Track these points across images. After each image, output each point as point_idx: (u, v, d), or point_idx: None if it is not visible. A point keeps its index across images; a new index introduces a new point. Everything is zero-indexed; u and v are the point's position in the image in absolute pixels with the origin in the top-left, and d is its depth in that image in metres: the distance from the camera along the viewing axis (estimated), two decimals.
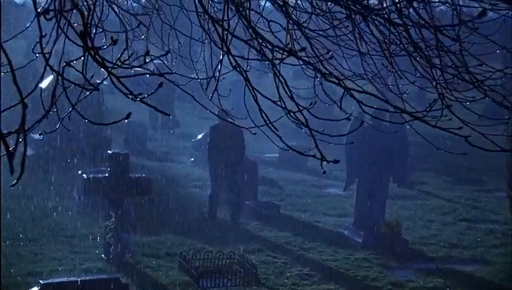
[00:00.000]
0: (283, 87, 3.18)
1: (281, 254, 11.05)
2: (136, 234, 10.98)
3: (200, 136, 18.04)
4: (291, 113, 3.18)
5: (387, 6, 3.69)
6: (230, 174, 12.78)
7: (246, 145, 12.96)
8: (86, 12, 2.54)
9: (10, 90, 2.36)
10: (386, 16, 3.70)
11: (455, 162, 17.52)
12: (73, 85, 2.42)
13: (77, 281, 7.90)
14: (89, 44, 2.21)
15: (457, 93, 4.13)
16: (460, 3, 4.48)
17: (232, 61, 3.10)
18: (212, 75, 3.98)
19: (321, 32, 4.12)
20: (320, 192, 15.70)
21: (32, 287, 8.25)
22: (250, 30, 3.28)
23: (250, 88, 3.02)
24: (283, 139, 3.38)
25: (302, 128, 3.35)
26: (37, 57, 2.61)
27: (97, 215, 11.83)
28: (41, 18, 2.43)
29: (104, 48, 2.35)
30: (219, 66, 3.53)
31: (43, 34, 2.45)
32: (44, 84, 2.57)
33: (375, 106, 4.66)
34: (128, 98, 2.31)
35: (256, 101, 3.05)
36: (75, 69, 2.39)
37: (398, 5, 3.36)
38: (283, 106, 3.11)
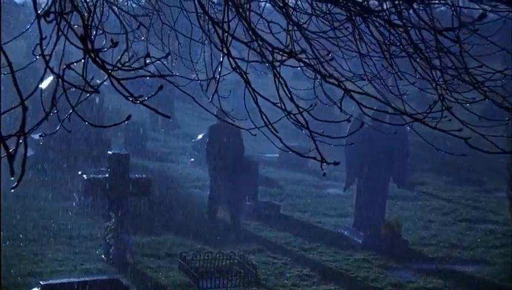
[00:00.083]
0: (283, 89, 3.19)
1: (281, 254, 11.05)
2: (136, 234, 10.98)
3: (200, 137, 18.04)
4: (291, 115, 3.18)
5: (387, 8, 3.69)
6: (229, 174, 12.78)
7: (244, 145, 12.96)
8: (86, 14, 2.54)
9: (10, 91, 2.37)
10: (386, 17, 3.71)
11: (455, 163, 17.52)
12: (73, 87, 2.42)
13: (77, 282, 7.90)
14: (89, 46, 2.22)
15: (457, 95, 4.13)
16: (460, 4, 4.48)
17: (232, 63, 3.10)
18: (213, 76, 3.99)
19: (321, 34, 4.12)
20: (320, 192, 15.70)
21: (32, 288, 8.25)
22: (250, 32, 3.28)
23: (250, 90, 3.02)
24: (284, 140, 3.38)
25: (302, 130, 3.35)
26: (37, 58, 2.61)
27: (97, 216, 11.83)
28: (42, 20, 2.43)
29: (105, 51, 2.35)
30: (219, 68, 3.53)
31: (44, 35, 2.46)
32: (44, 84, 2.58)
33: (375, 107, 4.66)
34: (129, 100, 2.32)
35: (256, 103, 3.05)
36: (75, 72, 2.39)
37: (398, 8, 3.36)
38: (283, 107, 3.11)
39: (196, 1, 3.51)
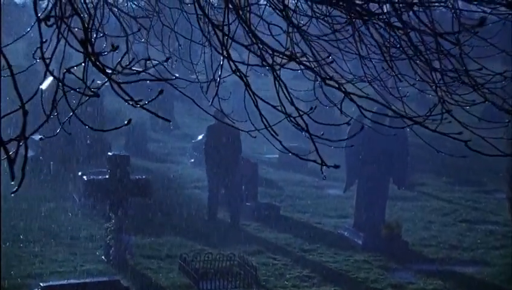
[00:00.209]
0: (283, 92, 3.19)
1: (281, 255, 11.05)
2: (137, 235, 10.97)
3: (200, 137, 18.04)
4: (292, 118, 3.18)
5: (387, 11, 3.69)
6: (227, 174, 12.79)
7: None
8: (86, 18, 2.55)
9: (11, 91, 2.37)
10: (386, 19, 3.71)
11: (455, 164, 17.51)
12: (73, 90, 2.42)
13: (77, 283, 7.90)
14: (90, 50, 2.22)
15: (457, 97, 4.13)
16: (460, 5, 4.48)
17: (232, 66, 3.10)
18: (213, 78, 3.99)
19: (321, 36, 4.12)
20: (320, 193, 15.70)
21: (32, 289, 8.26)
22: (250, 34, 3.28)
23: (251, 93, 3.02)
24: (284, 141, 3.38)
25: (302, 132, 3.35)
26: (37, 61, 2.61)
27: (97, 217, 11.83)
28: (42, 23, 2.43)
29: (105, 54, 2.35)
30: (219, 70, 3.53)
31: (44, 38, 2.46)
32: (44, 85, 2.58)
33: (375, 108, 4.66)
34: (129, 104, 2.32)
35: (256, 106, 3.06)
36: (76, 76, 2.39)
37: (399, 11, 3.36)
38: (283, 111, 3.11)
39: (196, 3, 3.51)
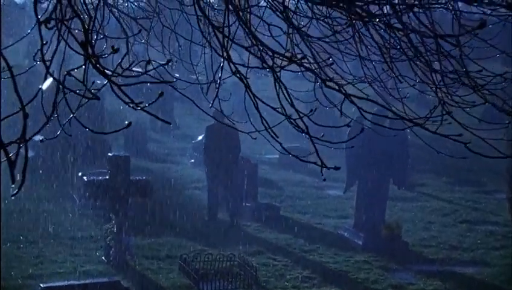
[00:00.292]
0: (283, 94, 3.19)
1: (281, 256, 11.05)
2: (137, 236, 10.98)
3: (200, 138, 18.02)
4: (292, 120, 3.18)
5: (388, 12, 3.69)
6: (227, 173, 12.79)
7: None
8: (87, 19, 2.54)
9: (11, 92, 2.36)
10: (386, 21, 3.71)
11: (455, 164, 17.50)
12: (73, 93, 2.42)
13: (78, 284, 7.91)
14: (90, 52, 2.22)
15: (457, 98, 4.13)
16: (460, 6, 4.48)
17: (233, 67, 3.10)
18: (213, 79, 3.99)
19: (322, 38, 4.12)
20: (320, 193, 15.69)
21: None
22: (250, 36, 3.28)
23: (251, 95, 3.03)
24: (285, 141, 3.38)
25: (302, 134, 3.35)
26: (37, 62, 2.61)
27: (97, 217, 11.84)
28: (42, 25, 2.43)
29: (105, 57, 2.35)
30: (219, 72, 3.53)
31: (44, 39, 2.46)
32: (44, 85, 2.58)
33: (375, 109, 4.66)
34: (129, 106, 2.32)
35: (257, 108, 3.06)
36: (76, 78, 2.39)
37: (399, 13, 3.36)
38: (284, 113, 3.11)
39: (196, 5, 3.51)
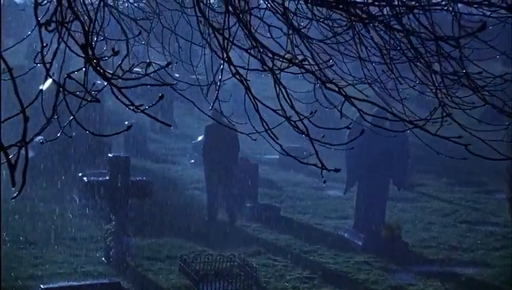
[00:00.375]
0: (283, 95, 3.19)
1: (281, 256, 11.05)
2: (137, 237, 10.97)
3: (200, 138, 18.02)
4: (292, 122, 3.18)
5: (388, 14, 3.69)
6: (226, 173, 12.79)
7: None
8: (87, 21, 2.54)
9: (11, 94, 2.37)
10: (386, 22, 3.71)
11: (455, 164, 17.44)
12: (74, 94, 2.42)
13: (78, 285, 7.91)
14: (90, 54, 2.22)
15: (457, 99, 4.13)
16: (460, 8, 4.48)
17: (233, 69, 3.11)
18: (213, 80, 3.99)
19: (322, 39, 4.12)
20: (320, 194, 15.69)
21: None
22: (250, 38, 3.28)
23: (251, 96, 3.03)
24: (285, 141, 3.38)
25: (303, 135, 3.35)
26: (37, 64, 2.61)
27: (98, 218, 11.83)
28: (42, 27, 2.43)
29: (105, 59, 2.35)
30: (219, 73, 3.53)
31: (44, 41, 2.46)
32: (45, 86, 2.58)
33: (375, 110, 4.66)
34: (130, 108, 2.32)
35: (257, 110, 3.06)
36: (76, 81, 2.39)
37: (400, 15, 3.36)
38: (284, 115, 3.11)
39: (196, 7, 3.51)
